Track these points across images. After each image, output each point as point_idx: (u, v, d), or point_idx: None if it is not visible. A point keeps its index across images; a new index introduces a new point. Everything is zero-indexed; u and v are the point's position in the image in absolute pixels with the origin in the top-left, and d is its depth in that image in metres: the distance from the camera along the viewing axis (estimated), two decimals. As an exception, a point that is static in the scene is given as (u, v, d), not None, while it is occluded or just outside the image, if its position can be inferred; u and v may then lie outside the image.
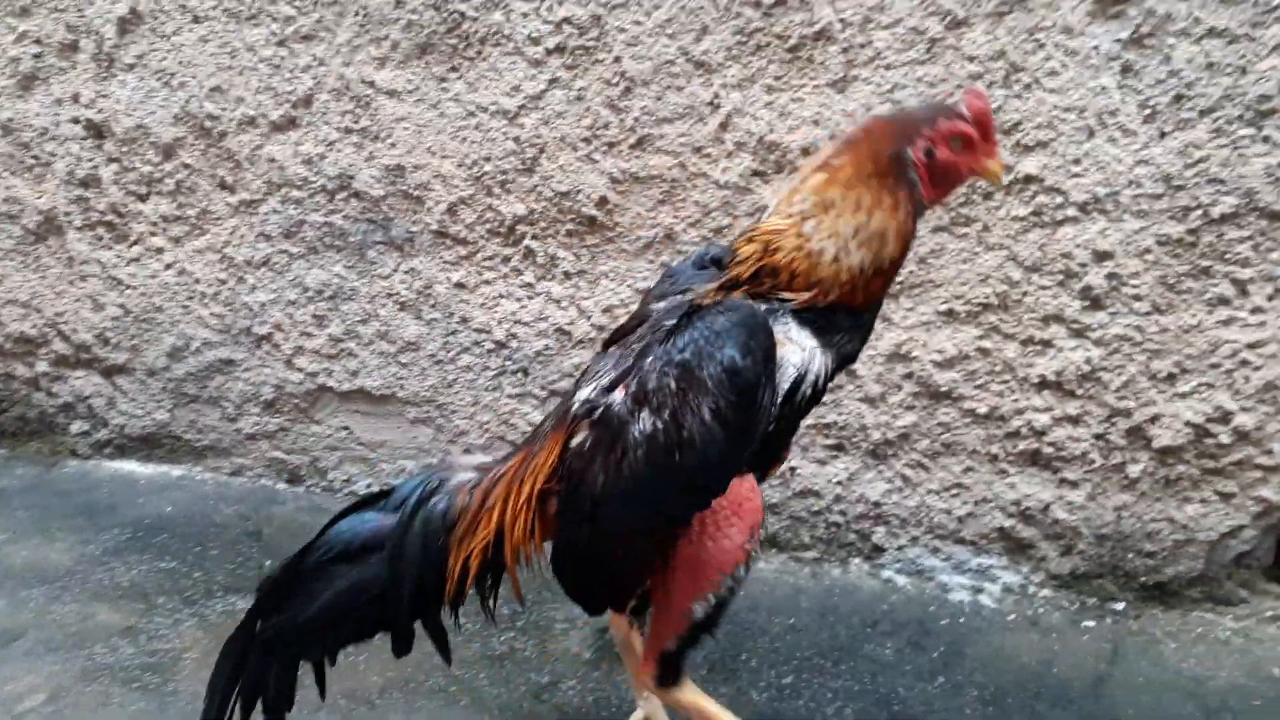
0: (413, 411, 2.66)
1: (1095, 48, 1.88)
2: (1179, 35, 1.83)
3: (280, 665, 1.58)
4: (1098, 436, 2.07)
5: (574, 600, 1.55)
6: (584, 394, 1.49)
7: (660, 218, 2.28)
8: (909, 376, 2.19)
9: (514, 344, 2.48)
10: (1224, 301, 1.93)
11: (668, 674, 1.56)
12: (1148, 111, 1.88)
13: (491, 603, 1.59)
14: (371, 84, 2.45)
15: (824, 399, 1.50)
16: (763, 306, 1.40)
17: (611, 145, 2.28)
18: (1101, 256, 1.97)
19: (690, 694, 1.58)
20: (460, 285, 2.50)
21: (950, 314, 2.12)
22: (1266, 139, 1.82)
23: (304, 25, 2.46)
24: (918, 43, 2.00)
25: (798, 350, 1.39)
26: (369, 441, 2.76)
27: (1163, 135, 1.88)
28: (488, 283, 2.47)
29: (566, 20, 2.24)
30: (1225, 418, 1.98)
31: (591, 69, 2.26)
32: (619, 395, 1.42)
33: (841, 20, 2.03)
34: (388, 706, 1.89)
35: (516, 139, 2.35)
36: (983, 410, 2.14)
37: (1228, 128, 1.84)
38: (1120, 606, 2.15)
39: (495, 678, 2.04)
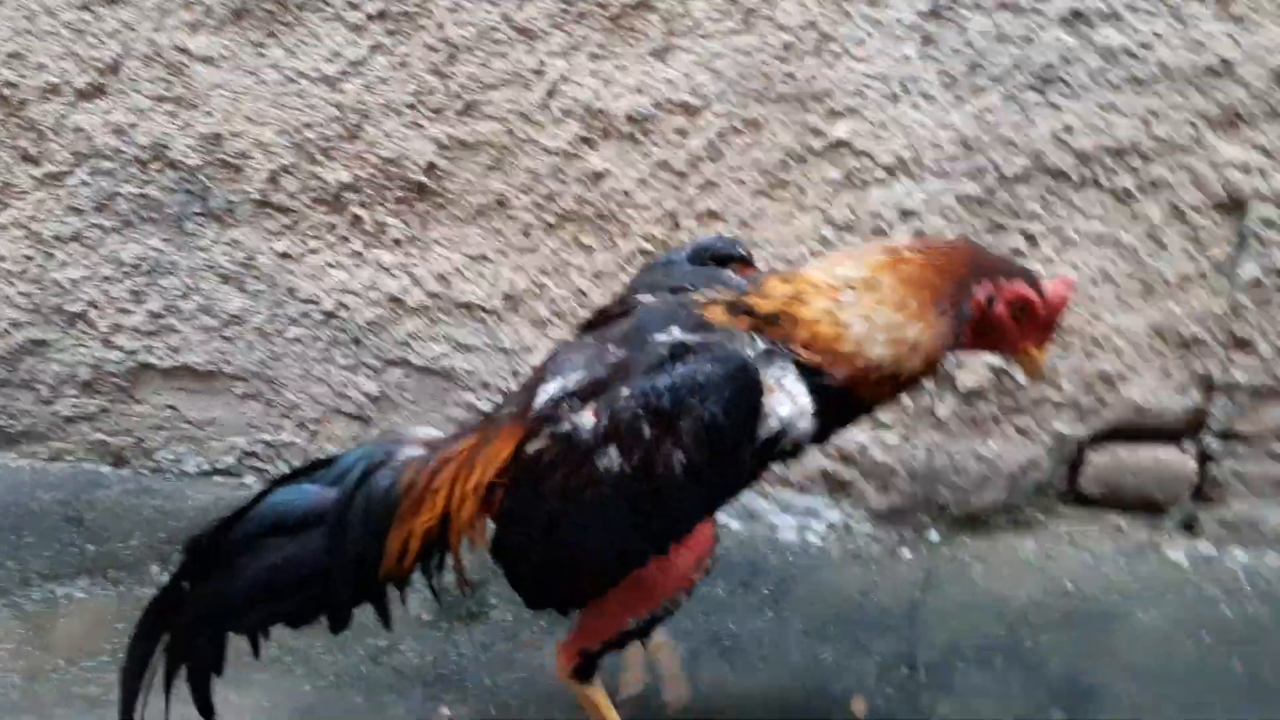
0: (241, 387, 2.59)
1: (898, 19, 2.00)
2: (973, 8, 1.97)
3: (204, 640, 1.52)
4: (909, 382, 2.21)
5: (516, 590, 1.52)
6: (551, 390, 1.41)
7: (491, 184, 2.29)
8: (736, 333, 2.28)
9: (344, 314, 2.45)
10: (1017, 254, 2.09)
11: (584, 669, 1.57)
12: (946, 79, 2.01)
13: (436, 584, 1.55)
14: (184, 50, 2.35)
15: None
16: (764, 346, 1.34)
17: (438, 111, 2.26)
18: (907, 215, 2.10)
19: (598, 692, 1.61)
20: (285, 255, 2.44)
21: (771, 273, 2.22)
22: (1052, 104, 1.98)
23: (105, -15, 2.34)
24: (734, 13, 2.07)
25: (787, 402, 1.33)
26: (197, 419, 2.66)
27: (960, 101, 2.01)
28: (314, 252, 2.42)
29: (386, -17, 2.21)
30: (1019, 360, 2.15)
31: (414, 35, 2.23)
32: (588, 419, 1.35)
33: (660, -13, 2.09)
34: (219, 683, 1.85)
35: (339, 105, 2.30)
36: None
37: (1017, 94, 1.99)
38: (934, 537, 2.31)
39: (331, 644, 2.02)
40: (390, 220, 2.36)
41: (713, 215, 2.20)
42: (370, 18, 2.24)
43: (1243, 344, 2.06)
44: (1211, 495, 2.20)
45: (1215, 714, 1.81)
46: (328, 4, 2.26)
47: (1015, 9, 1.95)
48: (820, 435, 1.41)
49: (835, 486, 2.32)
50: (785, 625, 2.07)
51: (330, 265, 2.43)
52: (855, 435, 2.26)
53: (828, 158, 2.11)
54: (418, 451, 1.52)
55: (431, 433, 1.58)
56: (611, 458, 1.32)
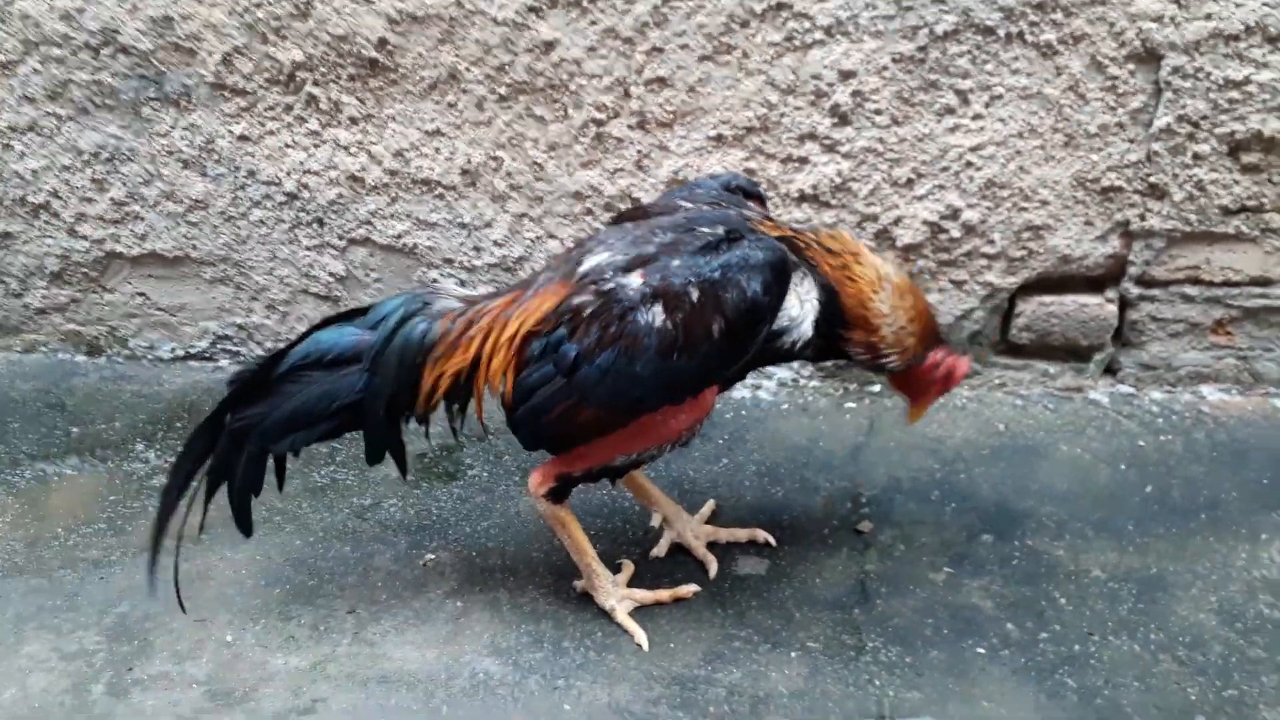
0: (209, 271, 2.66)
1: (830, -124, 2.04)
2: None
3: (248, 455, 1.70)
4: (851, 240, 2.32)
5: (516, 433, 1.69)
6: (595, 261, 1.63)
7: (442, 57, 2.33)
8: (687, 200, 2.37)
9: (305, 194, 2.51)
10: (950, 111, 2.18)
11: (559, 491, 1.75)
12: (878, -63, 2.07)
13: (459, 424, 1.75)
14: (126, -70, 2.34)
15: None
16: (793, 259, 1.62)
17: (386, -14, 2.29)
18: (846, 76, 2.18)
19: (567, 513, 1.78)
20: (244, 138, 2.48)
21: (719, 139, 2.30)
22: (977, -41, 2.04)
23: None
24: (672, -126, 2.09)
25: (797, 304, 1.62)
26: (167, 305, 2.74)
27: (891, -41, 2.07)
28: (272, 133, 2.46)
29: None
30: (955, 214, 2.26)
31: (358, -93, 2.24)
32: (635, 279, 1.57)
33: None
34: (214, 540, 1.99)
35: (288, -17, 2.32)
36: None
37: (945, -50, 2.05)
38: (877, 388, 2.46)
39: (318, 505, 2.17)
40: (345, 98, 2.40)
41: (661, 82, 2.26)
42: (312, -107, 2.24)
43: (1158, 191, 2.18)
44: (1131, 339, 2.36)
45: (1127, 529, 1.99)
46: (269, -120, 2.25)
47: None
48: (814, 353, 1.72)
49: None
50: (739, 469, 2.23)
51: (289, 146, 2.48)
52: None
53: (769, 20, 2.16)
54: (454, 303, 1.72)
55: (466, 290, 1.79)
56: (655, 314, 1.55)
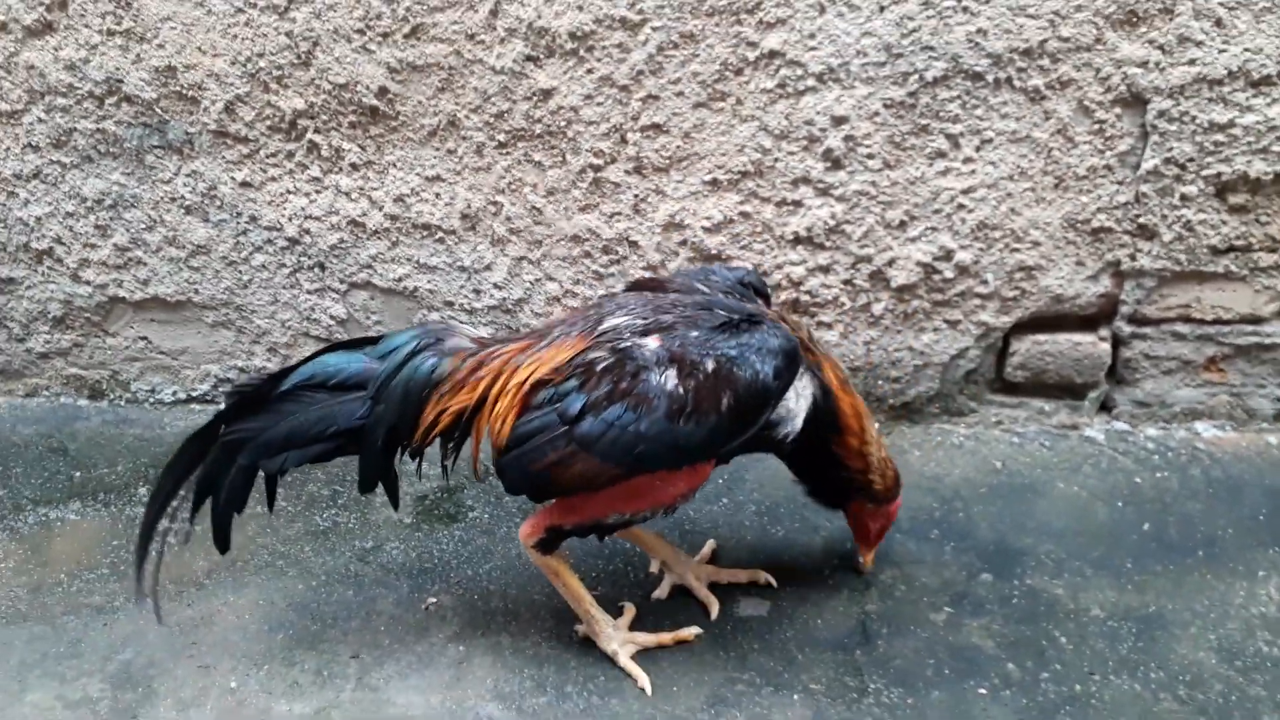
0: (211, 315, 2.68)
1: (821, -71, 2.09)
2: (890, -84, 2.06)
3: (238, 469, 1.71)
4: (845, 282, 2.36)
5: (501, 474, 1.70)
6: (615, 321, 1.68)
7: (442, 105, 2.37)
8: (684, 243, 2.40)
9: (307, 239, 2.54)
10: (941, 154, 2.22)
11: (548, 543, 1.77)
12: (868, -13, 2.12)
13: (450, 463, 1.76)
14: (130, -18, 2.39)
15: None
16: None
17: (386, 35, 2.33)
18: (839, 121, 2.22)
19: (559, 562, 1.80)
20: (246, 184, 2.51)
21: (714, 183, 2.34)
22: (965, 9, 2.08)
23: (47, -80, 2.36)
24: (667, -73, 2.14)
25: (794, 397, 1.68)
26: (170, 350, 2.76)
27: (882, 9, 2.11)
28: (274, 179, 2.50)
29: (329, -89, 2.25)
30: (948, 255, 2.30)
31: (359, -40, 2.29)
32: (652, 343, 1.62)
33: (595, -93, 2.15)
34: (217, 585, 2.00)
35: (289, 33, 2.36)
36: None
37: (934, 0, 2.09)
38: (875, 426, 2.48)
39: (320, 548, 2.18)
40: (346, 145, 2.44)
41: (657, 128, 2.30)
42: (314, -54, 2.29)
43: (1148, 232, 2.22)
44: (1125, 377, 2.39)
45: (1126, 566, 2.01)
46: (271, -66, 2.30)
47: (933, -81, 2.05)
48: (795, 458, 1.84)
49: (781, 382, 2.47)
50: (739, 509, 2.24)
51: (290, 192, 2.51)
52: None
53: (761, 68, 2.21)
54: (466, 343, 1.76)
55: (479, 330, 1.82)
56: (667, 377, 1.59)
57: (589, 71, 2.28)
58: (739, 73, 2.23)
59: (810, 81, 2.20)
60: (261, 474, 1.74)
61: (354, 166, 2.46)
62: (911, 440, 2.45)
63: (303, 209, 2.52)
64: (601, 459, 1.61)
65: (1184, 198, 2.17)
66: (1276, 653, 1.78)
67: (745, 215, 2.34)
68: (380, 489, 1.78)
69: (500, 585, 2.05)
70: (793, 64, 2.19)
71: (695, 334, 1.62)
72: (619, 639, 1.83)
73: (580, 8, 2.23)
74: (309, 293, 2.62)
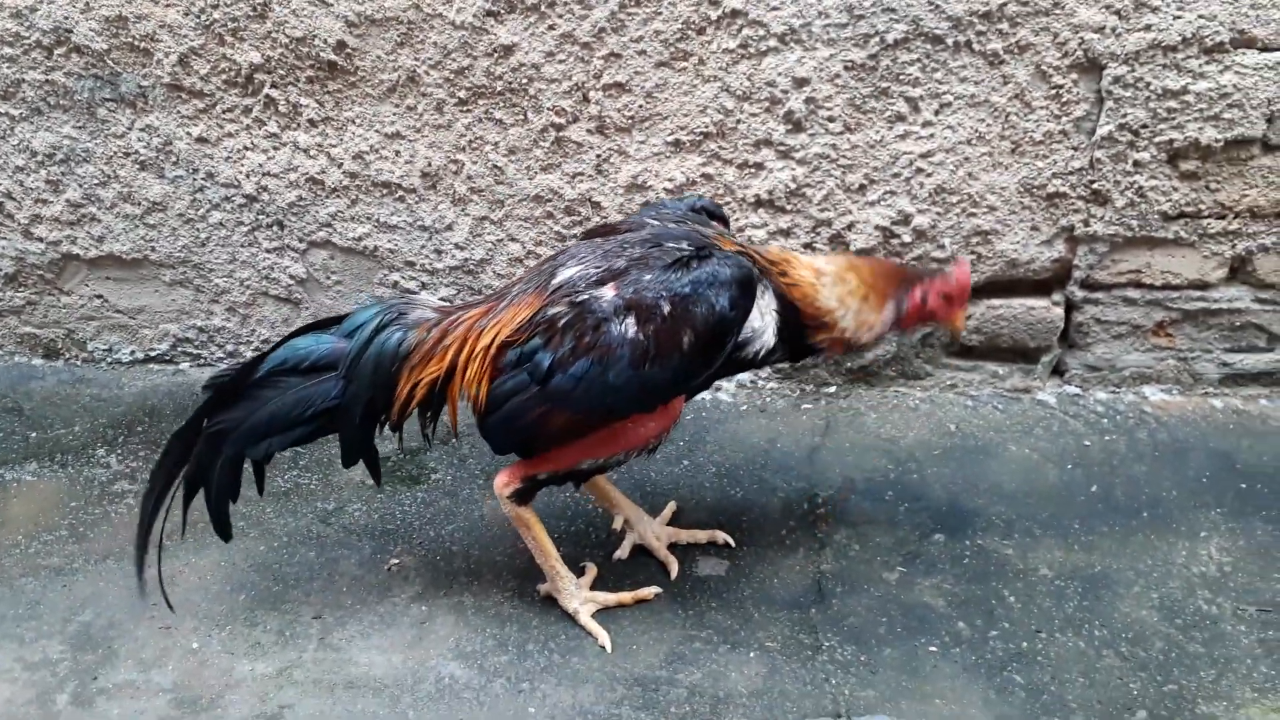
0: (168, 274, 2.65)
1: (785, -112, 2.07)
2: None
3: (225, 459, 1.73)
4: (806, 245, 2.37)
5: (487, 437, 1.73)
6: (568, 274, 1.69)
7: (401, 60, 2.33)
8: (647, 204, 2.40)
9: (265, 196, 2.50)
10: (900, 118, 2.23)
11: (524, 493, 1.79)
12: (832, -52, 2.11)
13: (431, 430, 1.78)
14: (77, -71, 2.31)
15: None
16: (757, 271, 1.69)
17: (344, -10, 2.29)
18: (800, 83, 2.22)
19: (531, 514, 1.82)
20: (202, 140, 2.47)
21: (677, 144, 2.33)
22: (928, -29, 2.09)
23: None
24: (630, -117, 2.11)
25: (758, 317, 1.69)
26: (126, 308, 2.72)
27: (845, -30, 2.11)
28: (231, 135, 2.46)
29: None
30: (906, 220, 2.32)
31: (315, -89, 2.23)
32: (608, 293, 1.63)
33: None
34: (178, 546, 1.99)
35: (244, -15, 2.31)
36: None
37: (897, -38, 2.09)
38: (832, 390, 2.52)
39: (282, 510, 2.18)
40: (304, 100, 2.40)
41: (619, 87, 2.29)
42: (269, -105, 2.23)
43: (1101, 197, 2.25)
44: (1077, 341, 2.43)
45: (1074, 527, 2.06)
46: (224, -119, 2.23)
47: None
48: (788, 357, 1.82)
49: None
50: (699, 470, 2.27)
51: (248, 148, 2.47)
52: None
53: (724, 27, 2.19)
54: (428, 314, 1.77)
55: (439, 301, 1.82)
56: (627, 325, 1.61)
57: (550, 28, 2.25)
58: (701, 32, 2.21)
59: (772, 42, 2.19)
60: (249, 461, 1.76)
61: (312, 123, 2.43)
62: (868, 403, 2.49)
63: (260, 165, 2.48)
64: (576, 411, 1.65)
65: (1137, 164, 2.20)
66: (1215, 611, 1.85)
67: (708, 177, 2.34)
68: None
69: (463, 546, 2.07)
70: (755, 24, 2.18)
71: (649, 276, 1.64)
72: (580, 598, 1.86)
73: (542, -36, 2.20)
74: (267, 251, 2.59)
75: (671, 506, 2.11)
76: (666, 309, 1.61)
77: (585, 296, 1.64)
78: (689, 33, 2.22)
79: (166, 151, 2.50)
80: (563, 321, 1.64)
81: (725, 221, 1.94)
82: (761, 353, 1.74)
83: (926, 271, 1.83)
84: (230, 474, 1.75)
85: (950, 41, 2.13)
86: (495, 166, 2.41)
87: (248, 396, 1.73)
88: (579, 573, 1.93)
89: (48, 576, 2.02)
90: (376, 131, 2.41)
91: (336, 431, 1.75)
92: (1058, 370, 2.48)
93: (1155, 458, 2.25)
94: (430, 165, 2.43)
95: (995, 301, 2.39)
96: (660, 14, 2.20)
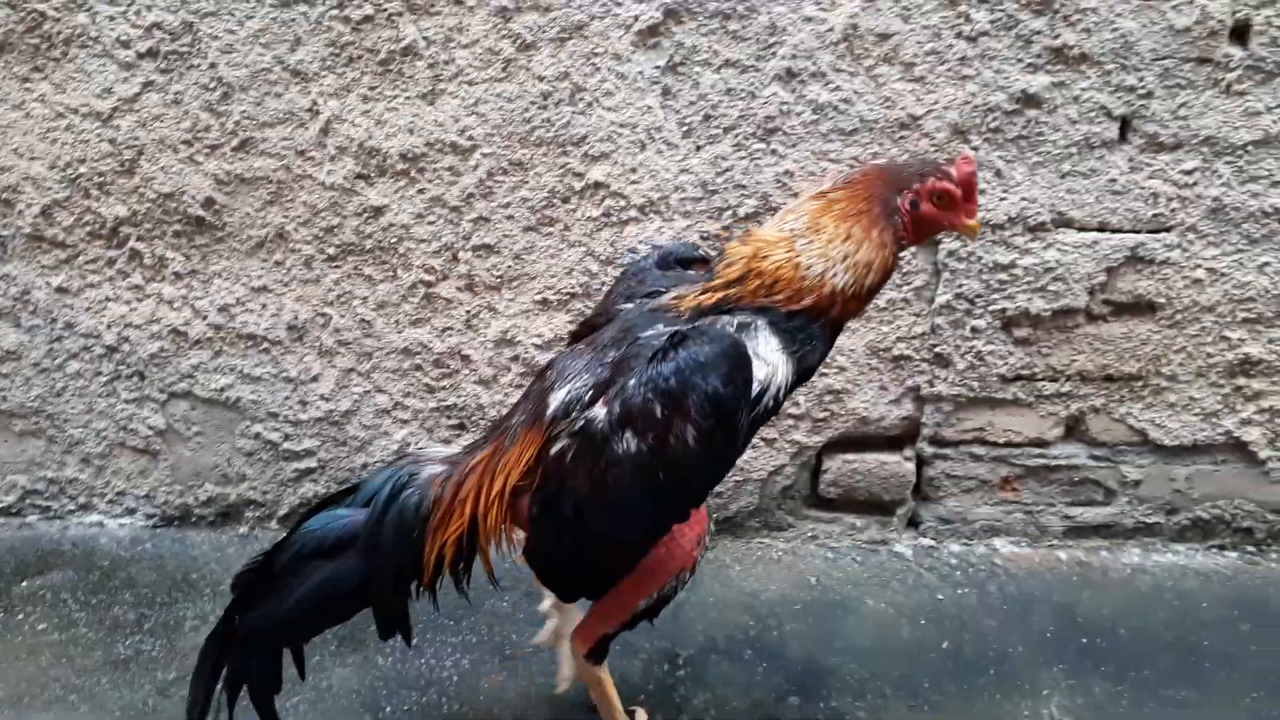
0: (19, 424, 2.57)
1: (640, 73, 2.20)
2: (703, 65, 2.19)
3: (261, 655, 1.66)
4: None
5: (549, 588, 1.70)
6: (560, 397, 1.58)
7: (270, 217, 2.36)
8: (515, 359, 2.44)
9: (126, 347, 2.47)
10: (756, 283, 2.33)
11: (599, 652, 1.75)
12: (685, 128, 2.23)
13: (465, 584, 1.70)
14: (-56, 81, 2.32)
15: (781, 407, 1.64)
16: (737, 320, 1.53)
17: (214, 148, 2.32)
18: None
19: (604, 673, 1.79)
20: (62, 290, 2.44)
21: (545, 302, 2.39)
22: (774, 151, 2.22)
23: None
24: (495, 62, 2.22)
25: (764, 366, 1.51)
26: (-27, 457, 2.62)
27: (698, 148, 2.23)
28: (93, 286, 2.43)
29: (156, 25, 2.24)
30: (764, 379, 2.40)
31: (187, 74, 2.28)
32: (600, 411, 1.52)
33: (425, 38, 2.21)
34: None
35: (112, 141, 2.32)
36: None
37: (745, 143, 2.22)
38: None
39: (119, 680, 2.08)
40: (170, 254, 2.40)
41: (488, 248, 2.35)
42: (141, 56, 2.27)
43: (943, 360, 2.37)
44: (929, 494, 2.52)
45: (924, 686, 2.09)
46: (96, 40, 2.27)
47: (739, 66, 2.18)
48: (808, 371, 1.60)
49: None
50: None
51: (110, 299, 2.45)
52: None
53: (588, 197, 2.29)
54: (439, 468, 1.69)
55: (447, 450, 1.75)
56: (628, 441, 1.48)
57: (420, 191, 2.32)
58: (566, 201, 2.30)
59: (633, 212, 2.29)
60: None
61: (178, 275, 2.42)
62: (733, 555, 2.51)
63: (122, 316, 2.46)
64: (620, 542, 1.59)
65: (974, 330, 2.33)
66: (1054, 771, 1.89)
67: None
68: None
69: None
70: (616, 195, 2.28)
71: (633, 382, 1.50)
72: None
73: (411, 131, 2.28)
74: (126, 401, 2.53)
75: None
76: (658, 411, 1.47)
77: (581, 421, 1.53)
78: (555, 201, 2.30)
79: (24, 301, 2.46)
80: (569, 456, 1.54)
81: (705, 261, 1.77)
82: (781, 391, 1.56)
83: (915, 169, 1.56)
84: (269, 667, 1.68)
85: (798, 215, 2.26)
86: (364, 320, 2.43)
87: (275, 586, 1.65)
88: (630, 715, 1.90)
89: None
90: (243, 285, 2.42)
91: (370, 606, 1.68)
92: (913, 522, 2.56)
93: (1004, 612, 2.31)
94: (297, 318, 2.43)
95: (850, 456, 2.47)
96: (527, 182, 2.29)
